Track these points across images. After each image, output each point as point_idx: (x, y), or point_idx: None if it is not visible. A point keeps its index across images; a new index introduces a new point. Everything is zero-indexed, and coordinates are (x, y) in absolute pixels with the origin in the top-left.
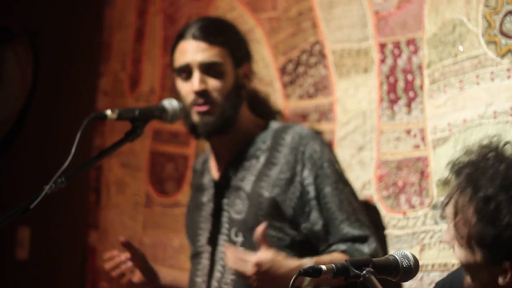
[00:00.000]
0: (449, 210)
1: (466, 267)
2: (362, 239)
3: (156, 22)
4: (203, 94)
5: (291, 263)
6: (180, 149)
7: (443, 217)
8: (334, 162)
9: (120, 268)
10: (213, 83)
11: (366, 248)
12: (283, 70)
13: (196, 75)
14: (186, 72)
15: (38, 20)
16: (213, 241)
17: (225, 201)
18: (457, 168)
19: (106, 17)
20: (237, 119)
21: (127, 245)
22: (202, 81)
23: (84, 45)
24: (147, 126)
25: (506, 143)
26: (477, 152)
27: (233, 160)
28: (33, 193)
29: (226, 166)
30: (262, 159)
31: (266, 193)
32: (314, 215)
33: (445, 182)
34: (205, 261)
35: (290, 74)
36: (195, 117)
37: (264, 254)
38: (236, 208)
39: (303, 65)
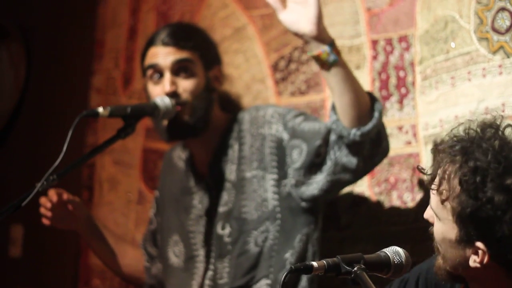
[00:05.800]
0: (436, 178)
1: (440, 244)
2: None
3: (149, 20)
4: (173, 96)
5: None
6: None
7: (429, 186)
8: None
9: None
10: (183, 84)
11: None
12: (275, 67)
13: (167, 76)
14: (156, 72)
15: (32, 18)
16: (206, 241)
17: (213, 200)
18: (453, 142)
19: (99, 15)
20: (210, 121)
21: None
22: (172, 82)
23: (77, 43)
24: (140, 124)
25: (508, 125)
26: (477, 125)
27: (213, 158)
28: (26, 190)
29: (210, 166)
30: (235, 146)
31: (248, 174)
32: (296, 152)
33: (436, 152)
34: (200, 264)
35: (282, 71)
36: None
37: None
38: (222, 201)
39: (295, 62)
